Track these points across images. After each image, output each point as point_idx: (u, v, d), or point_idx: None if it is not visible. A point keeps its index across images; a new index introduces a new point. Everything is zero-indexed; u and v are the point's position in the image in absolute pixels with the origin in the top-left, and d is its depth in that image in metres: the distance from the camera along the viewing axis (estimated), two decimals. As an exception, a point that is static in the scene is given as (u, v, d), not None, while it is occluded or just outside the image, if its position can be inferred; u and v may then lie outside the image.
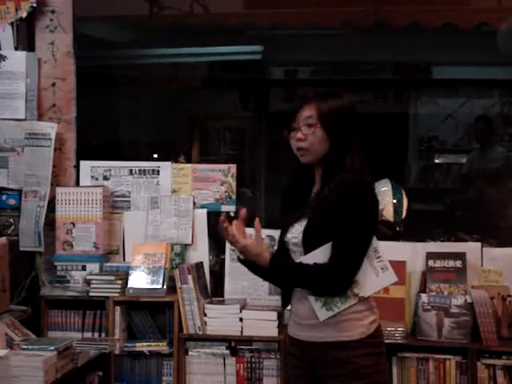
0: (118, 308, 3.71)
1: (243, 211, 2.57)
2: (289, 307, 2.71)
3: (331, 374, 2.53)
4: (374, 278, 2.55)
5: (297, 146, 2.55)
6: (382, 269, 2.57)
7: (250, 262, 2.57)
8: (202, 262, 3.85)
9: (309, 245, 2.51)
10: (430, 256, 3.67)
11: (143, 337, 3.77)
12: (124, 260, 3.96)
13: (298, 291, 2.60)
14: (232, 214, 4.01)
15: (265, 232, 3.80)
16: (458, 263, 3.65)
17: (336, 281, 2.50)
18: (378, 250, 2.57)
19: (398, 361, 3.52)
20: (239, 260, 2.63)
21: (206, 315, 3.65)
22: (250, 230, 3.83)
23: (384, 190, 4.10)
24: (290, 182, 2.71)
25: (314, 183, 2.61)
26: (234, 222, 2.55)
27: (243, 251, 2.53)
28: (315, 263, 2.48)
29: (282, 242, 2.65)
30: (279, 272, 2.56)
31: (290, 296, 2.64)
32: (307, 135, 2.53)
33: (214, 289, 3.90)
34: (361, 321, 2.53)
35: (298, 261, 2.55)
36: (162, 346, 3.69)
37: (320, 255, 2.48)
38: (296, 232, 2.57)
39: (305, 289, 2.55)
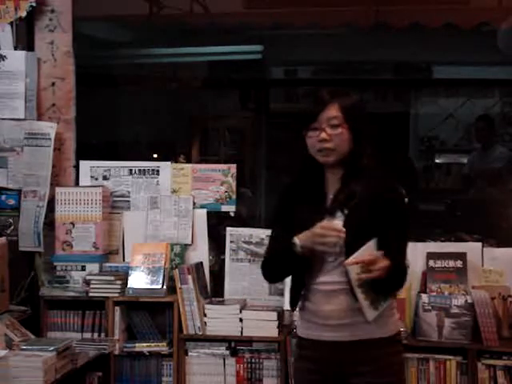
0: (117, 308, 3.71)
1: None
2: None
3: (365, 371, 2.50)
4: None
5: (320, 147, 2.52)
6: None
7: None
8: (201, 262, 3.85)
9: (350, 243, 2.45)
10: (431, 256, 3.66)
11: (143, 337, 3.77)
12: (124, 260, 3.95)
13: (322, 291, 2.53)
14: (232, 214, 4.01)
15: (265, 232, 3.83)
16: (459, 263, 3.64)
17: (403, 280, 2.52)
18: None
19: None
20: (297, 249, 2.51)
21: (205, 315, 3.65)
22: (250, 230, 3.87)
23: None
24: (293, 181, 2.68)
25: (324, 184, 2.58)
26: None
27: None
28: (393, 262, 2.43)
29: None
30: (394, 273, 2.44)
31: (299, 297, 2.60)
32: (332, 135, 2.50)
33: (213, 289, 3.90)
34: (391, 317, 2.56)
35: (334, 260, 2.51)
36: (161, 347, 3.68)
37: (366, 253, 2.43)
38: None
39: (390, 288, 2.51)
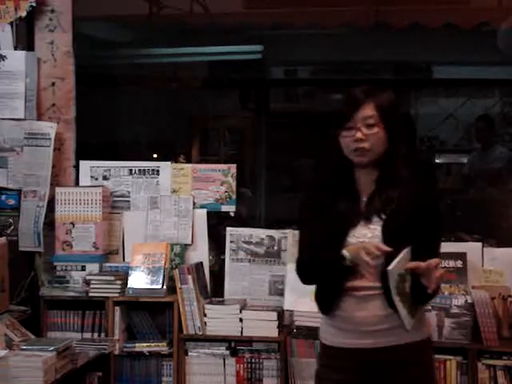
0: (117, 308, 3.70)
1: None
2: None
3: (398, 375, 2.46)
4: None
5: (356, 147, 2.46)
6: None
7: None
8: (201, 262, 3.84)
9: (391, 248, 2.39)
10: (431, 256, 3.65)
11: (143, 337, 3.77)
12: (124, 260, 3.95)
13: (356, 297, 2.46)
14: (232, 214, 4.01)
15: (265, 232, 3.83)
16: (459, 263, 3.64)
17: (439, 287, 2.49)
18: None
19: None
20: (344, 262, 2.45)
21: (205, 315, 3.65)
22: (250, 230, 3.87)
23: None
24: (323, 181, 2.60)
25: (356, 185, 2.53)
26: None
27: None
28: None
29: (336, 245, 2.46)
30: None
31: (334, 301, 2.50)
32: (368, 135, 2.45)
33: (213, 289, 3.89)
34: (424, 322, 2.55)
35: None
36: (161, 347, 3.68)
37: (403, 262, 2.38)
38: (364, 236, 2.45)
39: (428, 297, 2.47)
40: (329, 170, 2.58)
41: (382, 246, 2.37)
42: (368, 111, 2.46)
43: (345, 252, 2.41)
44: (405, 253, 2.39)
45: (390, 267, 2.36)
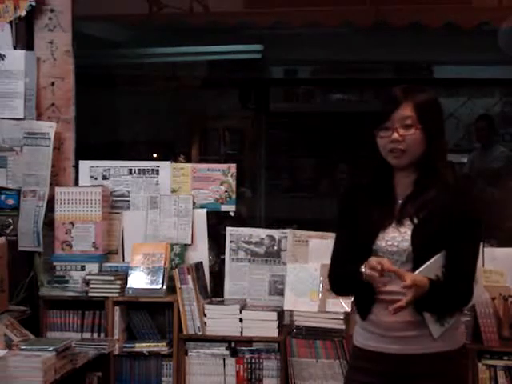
0: (117, 308, 3.70)
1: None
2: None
3: None
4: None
5: (392, 148, 2.40)
6: (475, 282, 2.53)
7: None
8: (201, 262, 3.84)
9: (418, 254, 2.37)
10: (431, 256, 3.64)
11: (142, 337, 3.76)
12: (123, 260, 3.94)
13: (385, 301, 2.41)
14: (232, 214, 4.00)
15: (265, 232, 3.83)
16: (459, 263, 3.63)
17: (465, 295, 2.43)
18: None
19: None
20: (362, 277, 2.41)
21: (205, 315, 3.64)
22: (250, 230, 3.86)
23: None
24: (361, 183, 2.56)
25: (394, 186, 2.48)
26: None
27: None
28: (445, 278, 2.36)
29: (365, 249, 2.44)
30: (435, 295, 2.36)
31: (371, 305, 2.47)
32: (405, 136, 2.39)
33: (213, 289, 3.89)
34: (457, 330, 2.47)
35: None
36: (161, 347, 3.67)
37: (434, 266, 2.36)
38: (394, 240, 2.41)
39: (443, 309, 2.41)
40: (368, 173, 2.54)
41: (386, 264, 2.31)
42: (406, 111, 2.39)
43: (362, 268, 2.37)
44: (436, 258, 2.36)
45: (417, 271, 2.34)
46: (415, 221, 2.40)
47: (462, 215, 2.38)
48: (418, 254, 2.37)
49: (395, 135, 2.39)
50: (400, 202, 2.46)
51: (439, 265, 2.38)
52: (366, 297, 2.47)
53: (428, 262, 2.35)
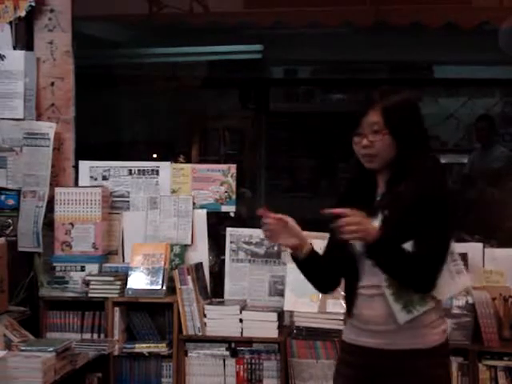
0: (117, 309, 3.69)
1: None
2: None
3: (396, 383, 2.43)
4: (449, 282, 2.49)
5: (363, 153, 2.46)
6: (458, 273, 2.53)
7: (302, 258, 2.50)
8: (201, 263, 3.83)
9: None
10: (431, 256, 3.64)
11: (142, 338, 3.76)
12: (123, 261, 3.94)
13: (364, 295, 2.47)
14: (232, 214, 4.00)
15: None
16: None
17: (426, 274, 2.40)
18: (454, 253, 2.52)
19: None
20: (293, 258, 2.53)
21: (205, 316, 3.64)
22: (250, 231, 3.86)
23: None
24: (349, 186, 2.62)
25: (377, 186, 2.52)
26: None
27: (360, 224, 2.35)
28: (413, 251, 2.38)
29: (343, 245, 2.48)
30: (385, 246, 2.37)
31: (354, 299, 2.50)
32: (374, 142, 2.43)
33: (213, 289, 3.89)
34: (435, 329, 2.46)
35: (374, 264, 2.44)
36: (161, 348, 3.67)
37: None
38: None
39: (397, 273, 2.40)
40: (353, 175, 2.59)
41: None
42: (373, 117, 2.43)
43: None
44: (405, 247, 2.38)
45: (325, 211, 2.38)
46: (385, 212, 2.44)
47: (427, 202, 2.39)
48: None
49: (364, 141, 2.44)
50: (377, 199, 2.51)
51: None
52: (348, 291, 2.53)
53: None
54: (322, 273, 2.58)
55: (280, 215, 2.49)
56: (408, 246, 2.39)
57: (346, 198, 2.57)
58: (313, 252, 2.53)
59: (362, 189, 2.54)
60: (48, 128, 3.91)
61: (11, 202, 3.94)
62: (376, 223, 2.43)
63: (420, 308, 2.43)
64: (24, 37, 4.00)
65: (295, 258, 2.54)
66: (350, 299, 2.52)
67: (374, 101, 2.45)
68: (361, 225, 2.34)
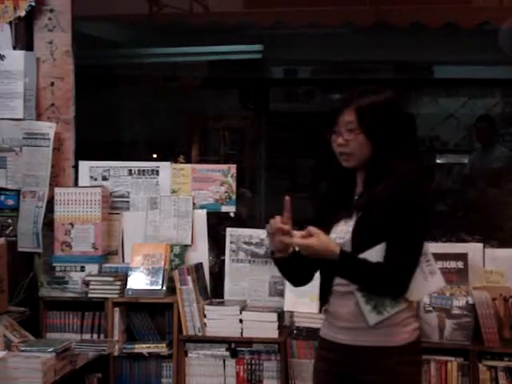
0: (117, 309, 3.69)
1: (288, 199, 2.50)
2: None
3: (370, 380, 2.46)
4: (422, 282, 2.51)
5: (339, 151, 2.51)
6: (431, 273, 2.53)
7: (282, 259, 2.52)
8: (201, 263, 3.83)
9: (358, 244, 2.44)
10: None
11: (142, 338, 3.76)
12: (123, 261, 3.94)
13: (338, 292, 2.51)
14: (232, 215, 4.00)
15: (265, 233, 3.81)
16: (460, 264, 3.63)
17: (396, 282, 2.43)
18: (428, 253, 2.53)
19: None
20: (272, 257, 2.56)
21: (205, 316, 3.63)
22: (250, 231, 3.85)
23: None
24: (330, 185, 2.66)
25: (356, 185, 2.56)
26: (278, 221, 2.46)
27: (310, 246, 2.41)
28: (378, 262, 2.41)
29: None
30: (347, 264, 2.42)
31: (328, 296, 2.56)
32: (349, 141, 2.47)
33: (213, 290, 3.88)
34: (405, 327, 2.48)
35: None
36: (161, 348, 3.67)
37: (374, 256, 2.41)
38: (341, 232, 2.50)
39: (364, 285, 2.44)
40: (333, 174, 2.62)
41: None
42: (348, 116, 2.47)
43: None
44: (377, 248, 2.41)
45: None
46: (359, 213, 2.47)
47: (401, 206, 2.41)
48: (357, 245, 2.44)
49: (340, 140, 2.49)
50: (355, 198, 2.54)
51: (380, 254, 2.41)
52: (322, 287, 2.57)
53: (367, 252, 2.41)
54: (298, 269, 2.60)
55: (309, 230, 2.45)
56: (380, 248, 2.41)
57: (328, 197, 2.62)
58: (294, 251, 2.54)
59: (342, 188, 2.57)
60: (48, 128, 3.90)
61: (11, 202, 3.94)
62: (351, 224, 2.47)
63: (391, 310, 2.46)
64: (24, 37, 3.99)
65: (275, 258, 2.55)
66: (325, 295, 2.56)
67: (350, 100, 2.48)
68: (320, 247, 2.38)
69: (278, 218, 2.46)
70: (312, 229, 2.41)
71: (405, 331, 2.48)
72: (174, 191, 3.97)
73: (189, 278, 3.62)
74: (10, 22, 3.95)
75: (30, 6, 3.94)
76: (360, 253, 2.42)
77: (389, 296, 2.46)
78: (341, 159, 2.52)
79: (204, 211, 3.94)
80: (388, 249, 2.42)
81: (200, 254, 3.89)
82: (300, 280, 2.70)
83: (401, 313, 2.47)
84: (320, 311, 2.63)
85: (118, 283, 3.71)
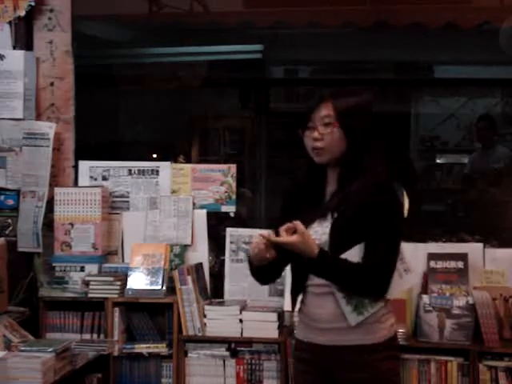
0: (116, 309, 3.69)
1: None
2: (296, 309, 2.66)
3: (352, 377, 2.48)
4: (397, 280, 2.54)
5: (313, 146, 2.53)
6: (405, 271, 2.57)
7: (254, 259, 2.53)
8: (201, 263, 3.83)
9: (336, 246, 2.46)
10: (432, 257, 3.63)
11: (142, 338, 3.75)
12: (123, 261, 3.93)
13: (313, 293, 2.53)
14: (232, 215, 3.99)
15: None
16: (460, 264, 3.62)
17: (378, 284, 2.46)
18: (402, 252, 2.55)
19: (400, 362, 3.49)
20: (248, 260, 2.58)
21: (205, 316, 3.63)
22: (250, 231, 3.85)
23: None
24: (298, 181, 2.68)
25: (326, 183, 2.57)
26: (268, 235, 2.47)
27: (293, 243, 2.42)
28: (359, 263, 2.43)
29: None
30: (326, 264, 2.43)
31: (296, 298, 2.59)
32: (324, 135, 2.50)
33: (213, 290, 3.88)
34: (383, 323, 2.52)
35: None
36: (161, 348, 3.66)
37: (353, 257, 2.44)
38: (317, 233, 2.51)
39: (344, 286, 2.46)
40: (303, 171, 2.64)
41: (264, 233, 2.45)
42: (325, 110, 2.51)
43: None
44: (355, 249, 2.43)
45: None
46: (335, 215, 2.49)
47: (377, 206, 2.44)
48: (335, 246, 2.45)
49: (315, 133, 2.52)
50: (328, 197, 2.55)
51: (358, 255, 2.44)
52: (296, 285, 2.60)
53: (344, 254, 2.43)
54: (268, 269, 2.60)
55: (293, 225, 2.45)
56: (358, 249, 2.43)
57: (297, 195, 2.61)
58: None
59: (311, 186, 2.58)
60: (48, 128, 3.90)
61: (11, 202, 3.94)
62: (326, 225, 2.48)
63: (371, 309, 2.49)
64: (24, 36, 3.99)
65: (251, 261, 2.56)
66: (297, 296, 2.59)
67: (327, 97, 2.52)
68: (304, 244, 2.39)
69: (266, 235, 2.46)
70: (299, 225, 2.41)
71: (383, 328, 2.52)
72: (173, 191, 3.97)
73: (189, 277, 3.62)
74: (10, 22, 3.95)
75: (30, 5, 3.94)
76: (338, 254, 2.44)
77: (370, 297, 2.48)
78: (313, 154, 2.54)
79: (204, 211, 3.93)
80: (367, 250, 2.44)
81: (200, 254, 3.89)
82: (268, 279, 2.73)
83: (379, 311, 2.51)
84: (292, 309, 2.66)
85: (118, 283, 3.71)
